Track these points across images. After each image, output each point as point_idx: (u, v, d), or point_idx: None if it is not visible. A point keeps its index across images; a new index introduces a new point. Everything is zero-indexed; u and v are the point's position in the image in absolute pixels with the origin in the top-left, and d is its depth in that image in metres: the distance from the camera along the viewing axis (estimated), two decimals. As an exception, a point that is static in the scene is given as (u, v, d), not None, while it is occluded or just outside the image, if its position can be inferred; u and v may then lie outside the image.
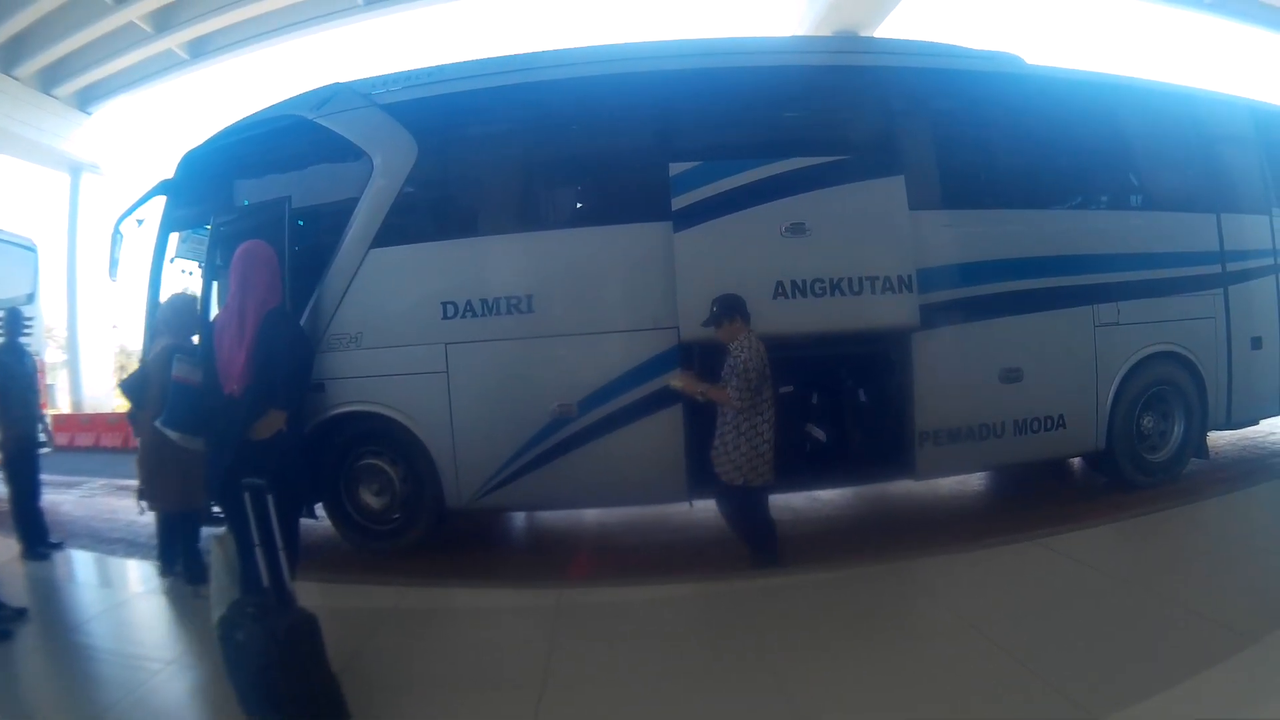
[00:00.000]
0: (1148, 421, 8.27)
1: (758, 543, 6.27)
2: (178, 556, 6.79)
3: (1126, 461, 8.16)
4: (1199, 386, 8.38)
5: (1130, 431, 8.13)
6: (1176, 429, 8.41)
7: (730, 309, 6.08)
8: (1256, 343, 8.63)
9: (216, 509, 6.94)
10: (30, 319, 9.17)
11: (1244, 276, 8.57)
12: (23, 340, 8.18)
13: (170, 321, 6.90)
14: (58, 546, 7.74)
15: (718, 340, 6.80)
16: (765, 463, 5.91)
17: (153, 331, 7.42)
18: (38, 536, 7.63)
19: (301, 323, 7.08)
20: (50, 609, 6.35)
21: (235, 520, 4.20)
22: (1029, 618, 4.92)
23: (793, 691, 4.18)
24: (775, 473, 6.04)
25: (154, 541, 7.44)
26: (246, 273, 4.41)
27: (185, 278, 8.73)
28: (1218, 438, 9.24)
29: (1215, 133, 8.95)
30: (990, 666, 4.29)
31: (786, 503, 7.71)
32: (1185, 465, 8.48)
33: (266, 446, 4.12)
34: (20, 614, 5.61)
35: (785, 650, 4.72)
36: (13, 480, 7.69)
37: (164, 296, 8.15)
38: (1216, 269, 8.44)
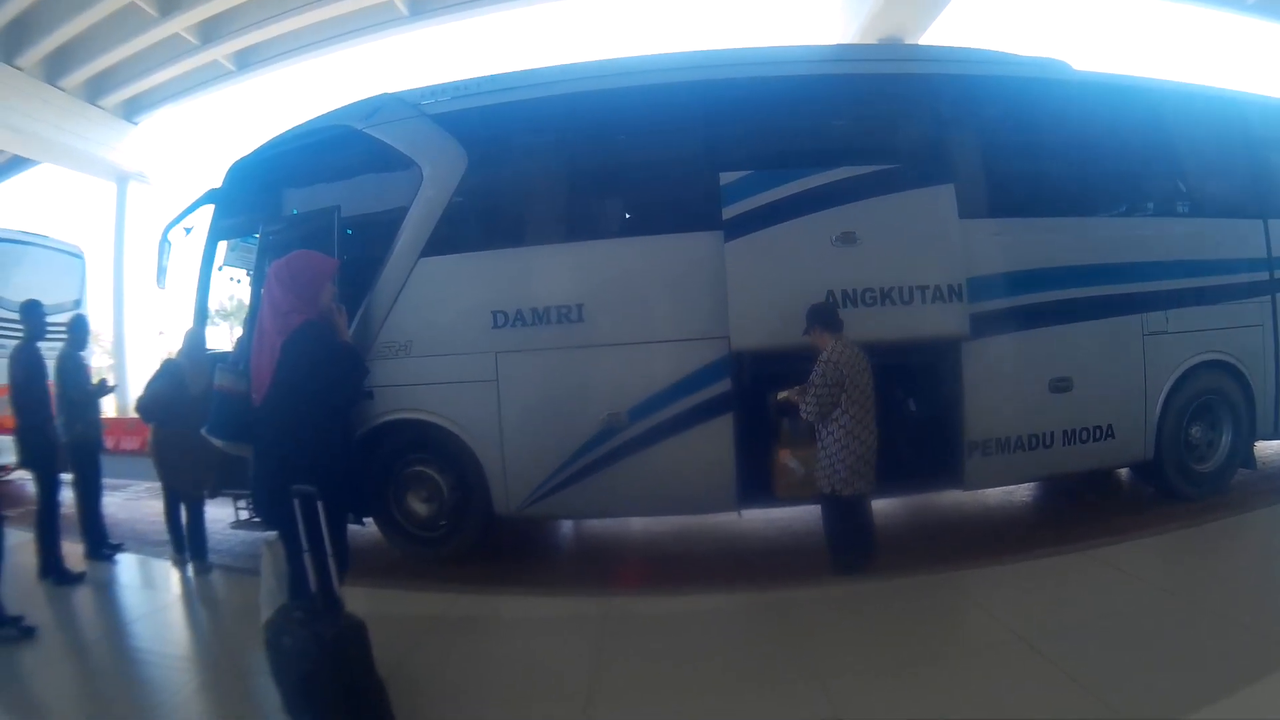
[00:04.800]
0: (1196, 431, 8.17)
1: (839, 551, 6.33)
2: (184, 540, 7.53)
3: (1174, 472, 8.06)
4: (1247, 396, 8.26)
5: (1178, 442, 8.03)
6: (1224, 439, 8.29)
7: (812, 318, 6.24)
8: (1305, 351, 8.51)
9: (254, 516, 7.24)
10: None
11: (1293, 284, 8.46)
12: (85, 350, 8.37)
13: (186, 349, 7.89)
14: (119, 548, 7.88)
15: (766, 350, 6.89)
16: (854, 474, 5.98)
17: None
18: (100, 538, 7.77)
19: (348, 333, 7.19)
20: (96, 611, 6.48)
21: (284, 527, 4.23)
22: (1077, 630, 4.89)
23: (839, 703, 4.19)
24: (871, 487, 6.15)
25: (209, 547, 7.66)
26: (271, 286, 4.47)
27: (233, 285, 8.88)
28: (1265, 448, 9.14)
29: (1263, 137, 8.82)
30: (1038, 679, 4.29)
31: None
32: (1233, 476, 8.37)
33: (315, 455, 4.16)
34: (16, 621, 5.65)
35: (832, 661, 4.74)
36: (79, 483, 7.85)
37: (212, 304, 8.39)
38: (1264, 276, 8.33)
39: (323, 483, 3.98)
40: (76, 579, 7.01)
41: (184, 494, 7.53)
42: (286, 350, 4.19)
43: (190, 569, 7.39)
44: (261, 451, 4.46)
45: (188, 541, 7.53)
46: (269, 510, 4.56)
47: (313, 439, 4.16)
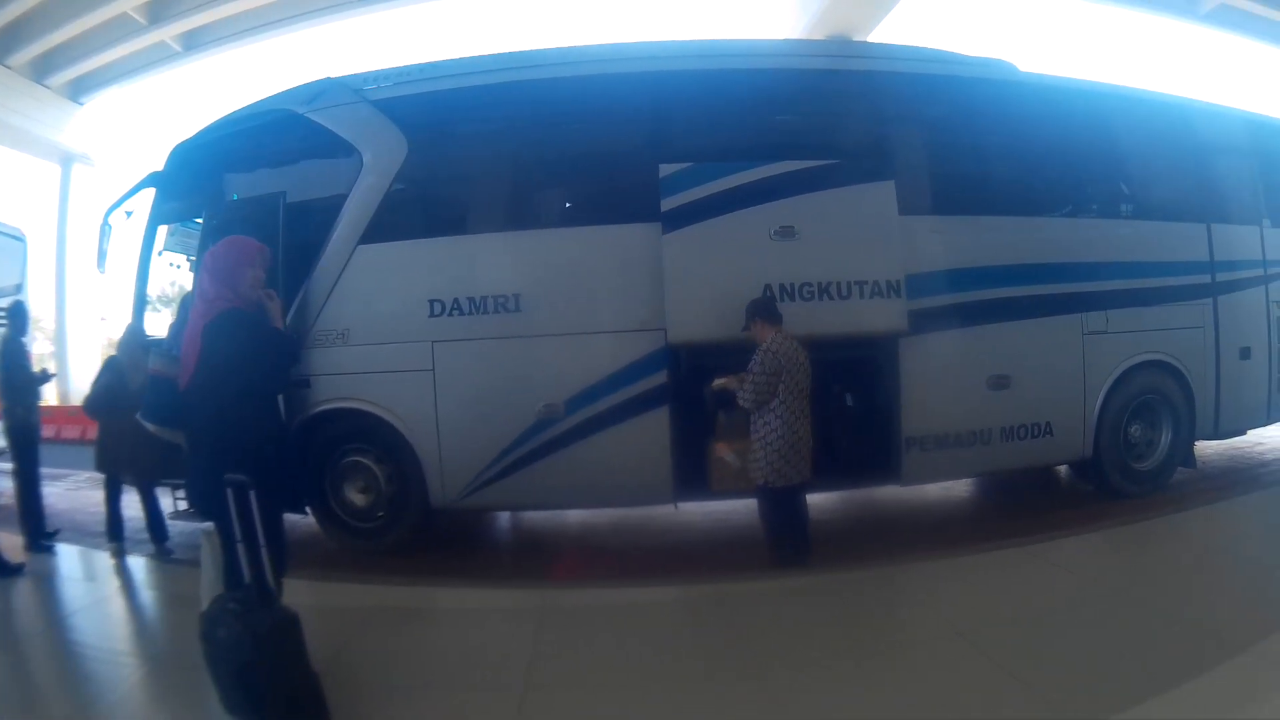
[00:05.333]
0: (1135, 430, 8.27)
1: (776, 543, 6.31)
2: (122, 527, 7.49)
3: (1114, 470, 8.17)
4: (1187, 396, 8.39)
5: (1118, 440, 8.14)
6: (1164, 438, 8.42)
7: (752, 311, 6.21)
8: (1245, 353, 8.65)
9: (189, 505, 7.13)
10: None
11: (1233, 287, 8.59)
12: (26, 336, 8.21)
13: (123, 344, 7.70)
14: (55, 535, 7.70)
15: (704, 343, 6.86)
16: (788, 464, 5.96)
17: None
18: (39, 529, 7.61)
19: (281, 320, 7.10)
20: (36, 605, 6.34)
21: (216, 517, 4.15)
22: (1016, 625, 4.92)
23: (777, 696, 4.16)
24: (806, 478, 6.12)
25: (141, 536, 7.55)
26: (201, 272, 4.42)
27: (174, 270, 8.74)
28: (1205, 447, 9.26)
29: (1207, 143, 8.97)
30: (977, 674, 4.28)
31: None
32: (1173, 475, 8.50)
33: (243, 443, 4.07)
34: None
35: (772, 655, 4.70)
36: (20, 470, 7.68)
37: (152, 289, 8.26)
38: (1206, 279, 8.46)
39: (254, 472, 3.90)
40: (16, 570, 6.83)
41: (129, 481, 7.47)
42: (205, 337, 4.12)
43: (137, 555, 7.32)
44: (192, 440, 4.38)
45: (148, 528, 7.50)
46: (201, 500, 4.46)
47: (239, 427, 4.07)
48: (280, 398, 4.86)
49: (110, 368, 7.56)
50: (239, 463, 3.90)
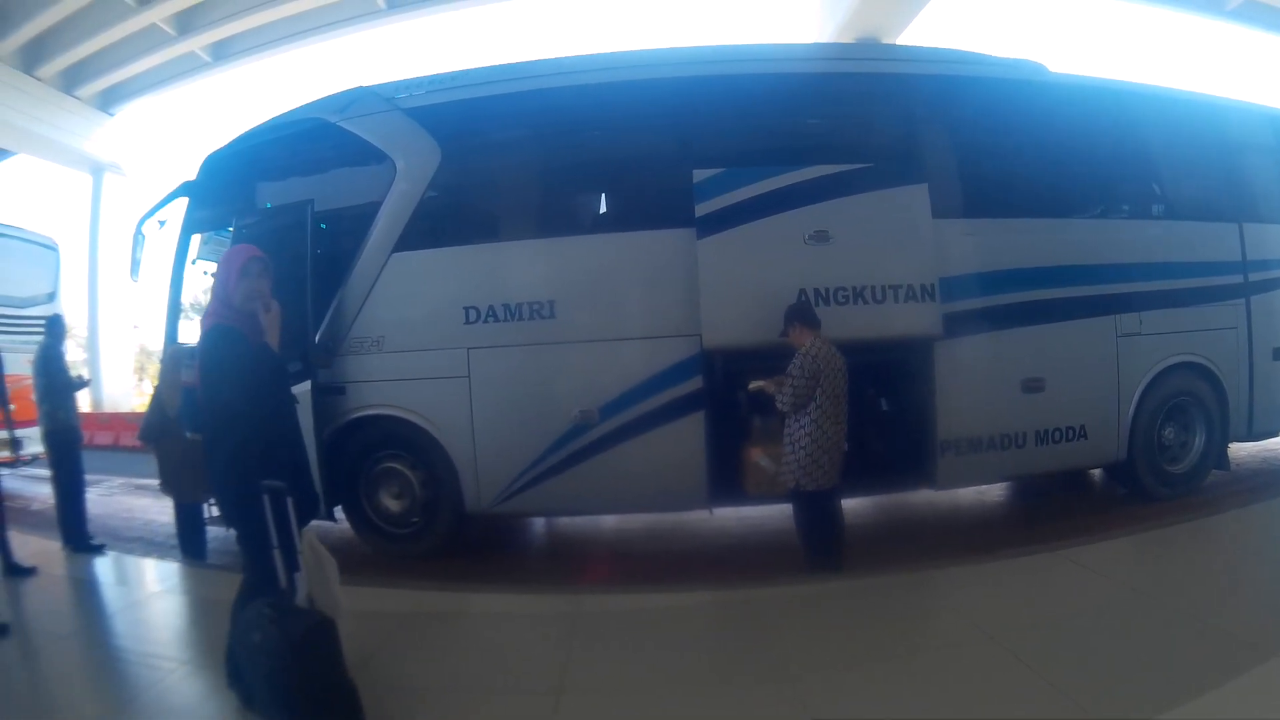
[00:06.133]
0: (1169, 433, 8.22)
1: (810, 548, 6.30)
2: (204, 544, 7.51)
3: (1147, 473, 8.11)
4: (1220, 398, 8.32)
5: (1151, 443, 8.08)
6: (1197, 440, 8.36)
7: (791, 316, 6.22)
8: (1278, 353, 8.57)
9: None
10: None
11: (1266, 287, 8.51)
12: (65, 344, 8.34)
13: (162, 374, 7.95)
14: (100, 549, 7.70)
15: (738, 348, 6.88)
16: (819, 468, 5.96)
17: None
18: (82, 531, 7.69)
19: (318, 332, 7.31)
20: (71, 608, 6.41)
21: (235, 524, 4.21)
22: (1048, 630, 4.88)
23: (808, 700, 4.17)
24: (835, 483, 6.11)
25: (172, 541, 7.61)
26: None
27: (206, 279, 8.81)
28: (1239, 449, 9.18)
29: (1238, 141, 8.91)
30: (1009, 679, 4.27)
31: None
32: (1206, 477, 8.43)
33: (249, 453, 4.02)
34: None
35: (803, 659, 4.71)
36: (60, 475, 7.78)
37: (185, 298, 8.33)
38: (1238, 279, 8.39)
39: (261, 481, 3.92)
40: (28, 572, 6.89)
41: (188, 500, 7.49)
42: (197, 355, 4.17)
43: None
44: (207, 450, 4.40)
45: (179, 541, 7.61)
46: (221, 507, 4.48)
47: (235, 439, 4.03)
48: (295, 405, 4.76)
49: (155, 400, 7.64)
50: (247, 471, 3.93)
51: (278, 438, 4.13)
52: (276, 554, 3.96)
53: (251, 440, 4.01)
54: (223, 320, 4.11)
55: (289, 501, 3.90)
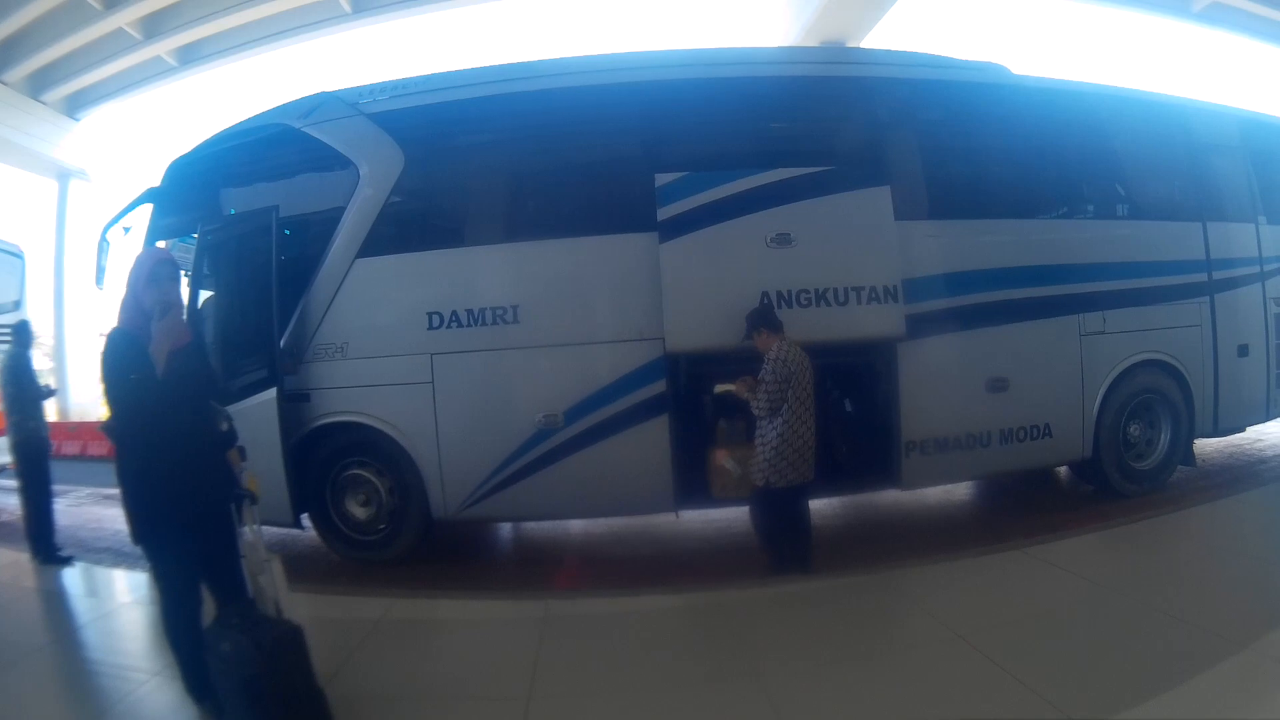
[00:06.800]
0: (1134, 430, 8.29)
1: (773, 548, 6.33)
2: None
3: (1113, 470, 8.17)
4: (1185, 394, 8.40)
5: (1117, 440, 8.15)
6: (1163, 437, 8.44)
7: (754, 321, 6.25)
8: (1243, 350, 8.67)
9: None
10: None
11: (1230, 285, 8.61)
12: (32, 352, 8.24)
13: None
14: (69, 560, 7.62)
15: (702, 351, 6.89)
16: (789, 465, 5.97)
17: None
18: (50, 543, 7.59)
19: (282, 338, 7.27)
20: (40, 620, 6.34)
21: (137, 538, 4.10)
22: (1017, 627, 4.93)
23: (778, 703, 4.18)
24: (808, 478, 6.13)
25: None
26: None
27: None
28: (1204, 445, 9.28)
29: (1201, 141, 8.97)
30: (979, 677, 4.29)
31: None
32: (1172, 473, 8.52)
33: (141, 460, 3.96)
34: None
35: (772, 660, 4.73)
36: (28, 485, 7.71)
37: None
38: (1202, 277, 8.48)
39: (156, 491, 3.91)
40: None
41: None
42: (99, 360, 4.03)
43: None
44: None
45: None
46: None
47: (126, 445, 4.00)
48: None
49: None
50: (137, 482, 3.94)
51: (161, 448, 3.96)
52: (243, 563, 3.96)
53: (127, 450, 3.99)
54: (132, 325, 3.99)
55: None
